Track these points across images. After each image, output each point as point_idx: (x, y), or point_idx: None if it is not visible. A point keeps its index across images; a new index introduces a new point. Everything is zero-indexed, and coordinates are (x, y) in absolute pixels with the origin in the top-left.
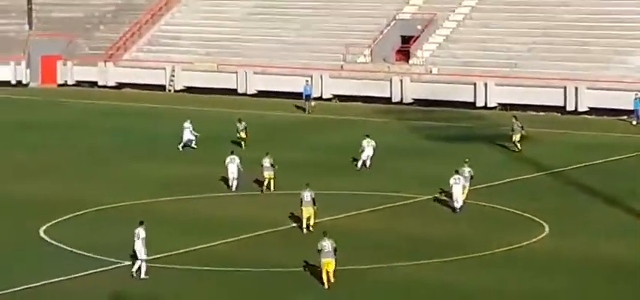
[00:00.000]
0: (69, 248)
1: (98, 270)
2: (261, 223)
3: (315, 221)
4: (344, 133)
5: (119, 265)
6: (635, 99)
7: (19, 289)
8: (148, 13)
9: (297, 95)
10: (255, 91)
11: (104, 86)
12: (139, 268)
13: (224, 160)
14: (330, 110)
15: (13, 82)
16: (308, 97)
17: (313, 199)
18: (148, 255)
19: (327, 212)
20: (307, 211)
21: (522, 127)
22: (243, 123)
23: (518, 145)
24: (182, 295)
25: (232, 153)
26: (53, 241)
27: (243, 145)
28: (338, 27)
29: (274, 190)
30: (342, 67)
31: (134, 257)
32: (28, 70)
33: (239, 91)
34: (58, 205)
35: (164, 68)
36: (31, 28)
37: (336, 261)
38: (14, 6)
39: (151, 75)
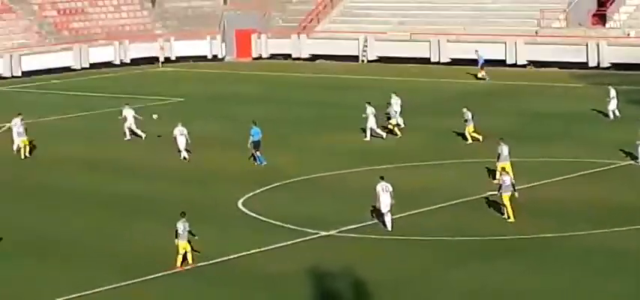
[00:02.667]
0: (267, 219)
1: (296, 241)
2: (457, 191)
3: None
4: (536, 99)
5: (316, 235)
6: None
7: (218, 260)
8: None
9: (490, 62)
10: (449, 60)
11: (298, 58)
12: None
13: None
14: (524, 77)
15: (209, 56)
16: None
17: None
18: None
19: (524, 179)
20: (507, 166)
21: None
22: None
23: None
24: (376, 264)
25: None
26: (251, 213)
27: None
28: None
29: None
30: (536, 32)
31: (378, 214)
32: (224, 45)
33: (432, 59)
34: (255, 177)
35: (357, 39)
36: (225, 2)
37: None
38: None
39: (344, 46)
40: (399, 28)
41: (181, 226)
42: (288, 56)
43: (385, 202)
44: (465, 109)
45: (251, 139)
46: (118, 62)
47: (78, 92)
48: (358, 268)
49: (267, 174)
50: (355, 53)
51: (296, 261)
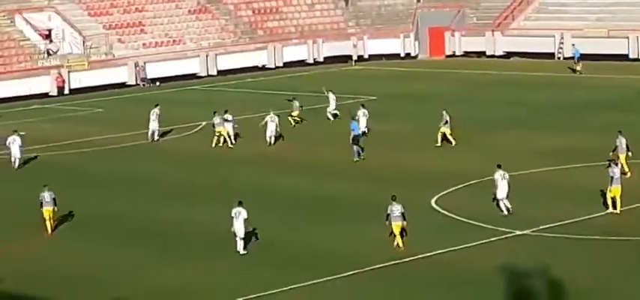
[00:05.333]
0: (460, 218)
1: (490, 239)
2: None
3: None
4: None
5: (510, 234)
6: None
7: (413, 258)
8: None
9: None
10: None
11: (492, 56)
12: None
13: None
14: None
15: (402, 54)
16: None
17: None
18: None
19: None
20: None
21: None
22: (296, 103)
23: None
24: (573, 264)
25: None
26: (445, 211)
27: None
28: None
29: None
30: None
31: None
32: (417, 43)
33: (630, 56)
34: (447, 175)
35: (553, 36)
36: (419, 0)
37: None
38: None
39: (539, 43)
40: (596, 24)
41: (397, 208)
42: (481, 54)
43: (503, 189)
44: (444, 112)
45: (352, 133)
46: (311, 61)
47: (271, 91)
48: (554, 268)
49: (460, 173)
50: (551, 50)
51: (490, 260)
